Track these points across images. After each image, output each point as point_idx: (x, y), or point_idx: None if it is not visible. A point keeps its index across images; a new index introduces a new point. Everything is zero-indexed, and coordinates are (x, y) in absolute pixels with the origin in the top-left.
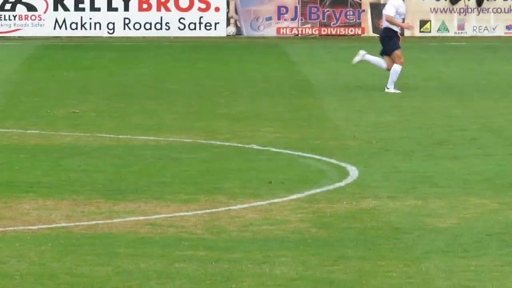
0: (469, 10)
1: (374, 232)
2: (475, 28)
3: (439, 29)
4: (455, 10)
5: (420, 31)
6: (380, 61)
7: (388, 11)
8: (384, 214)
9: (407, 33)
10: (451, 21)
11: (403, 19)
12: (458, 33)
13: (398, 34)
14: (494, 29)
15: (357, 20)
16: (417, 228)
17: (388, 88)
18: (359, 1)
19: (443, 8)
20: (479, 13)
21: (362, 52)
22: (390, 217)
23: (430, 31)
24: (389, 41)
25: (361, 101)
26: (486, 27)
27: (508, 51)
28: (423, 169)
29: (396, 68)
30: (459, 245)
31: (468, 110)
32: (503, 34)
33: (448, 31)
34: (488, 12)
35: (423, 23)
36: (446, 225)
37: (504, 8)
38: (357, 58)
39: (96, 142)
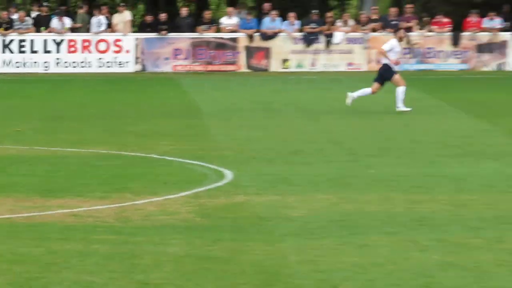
0: (319, 51)
1: (243, 220)
2: (324, 65)
3: (297, 66)
4: (309, 51)
5: (282, 68)
6: (363, 91)
7: (384, 46)
8: (251, 207)
9: (273, 68)
10: (305, 60)
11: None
12: (311, 69)
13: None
14: (338, 66)
15: (233, 59)
16: (276, 217)
17: (398, 107)
18: (236, 45)
19: (300, 50)
20: (327, 53)
21: (349, 94)
22: (255, 208)
23: (289, 68)
24: (387, 71)
25: (236, 121)
26: (332, 64)
27: (349, 82)
28: (281, 172)
29: (401, 89)
30: (308, 230)
31: (317, 127)
32: (345, 70)
33: (303, 67)
34: (333, 53)
35: (284, 61)
36: (298, 214)
37: (346, 50)
38: (349, 99)
39: (34, 153)
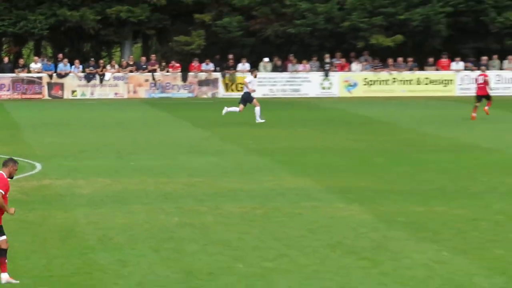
0: (96, 85)
1: (49, 196)
2: (99, 94)
3: (81, 95)
4: (89, 85)
5: (72, 96)
6: (234, 108)
7: (246, 80)
8: (54, 187)
9: (66, 96)
10: (87, 91)
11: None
12: (91, 97)
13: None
14: (108, 95)
15: (39, 91)
16: (71, 194)
17: (258, 120)
18: (40, 81)
19: (83, 84)
20: (101, 86)
21: (225, 107)
22: (57, 189)
23: (77, 96)
24: (248, 97)
25: (42, 132)
26: (104, 93)
27: (115, 105)
28: (74, 164)
29: (258, 108)
30: (92, 202)
31: (95, 135)
32: (113, 97)
33: (86, 96)
34: (105, 86)
35: (73, 91)
36: (86, 192)
37: (113, 84)
38: (224, 111)
39: None
